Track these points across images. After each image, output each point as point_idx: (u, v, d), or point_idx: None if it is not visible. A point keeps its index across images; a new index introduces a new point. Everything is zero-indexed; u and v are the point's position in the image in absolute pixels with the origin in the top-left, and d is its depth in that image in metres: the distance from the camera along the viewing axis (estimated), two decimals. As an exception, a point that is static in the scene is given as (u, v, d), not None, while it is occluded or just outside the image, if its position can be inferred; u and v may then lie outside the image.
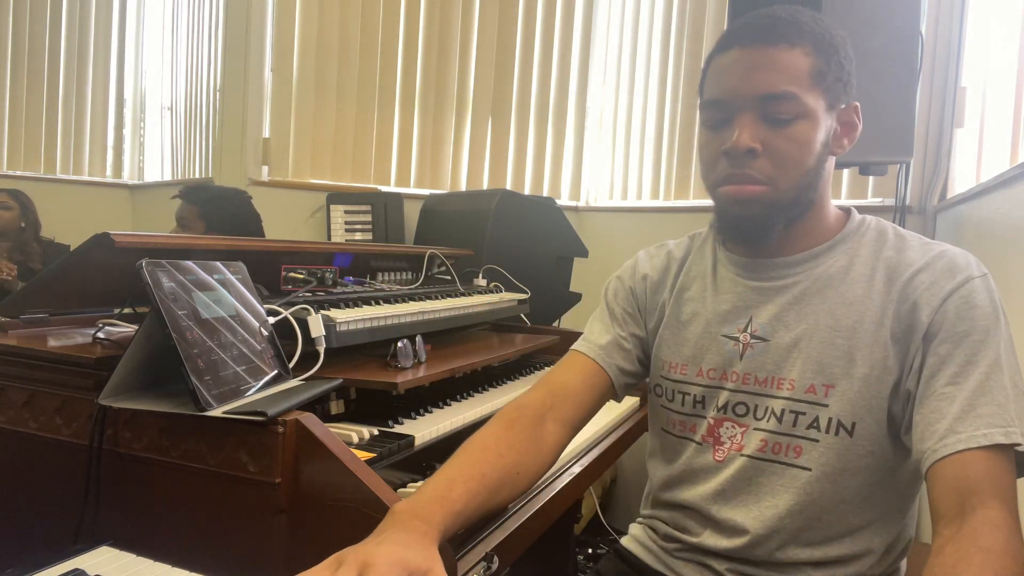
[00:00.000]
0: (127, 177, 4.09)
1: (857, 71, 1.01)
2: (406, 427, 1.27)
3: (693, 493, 1.05)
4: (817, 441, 0.96)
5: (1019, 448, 0.84)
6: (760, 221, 0.97)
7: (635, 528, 1.17)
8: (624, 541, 1.17)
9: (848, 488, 0.96)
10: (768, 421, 0.99)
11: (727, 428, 1.03)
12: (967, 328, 0.89)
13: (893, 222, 1.06)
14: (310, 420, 0.99)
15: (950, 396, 0.87)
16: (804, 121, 0.93)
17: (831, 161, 1.01)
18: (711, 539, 1.02)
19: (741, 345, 1.03)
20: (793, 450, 0.97)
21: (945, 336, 0.90)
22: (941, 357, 0.90)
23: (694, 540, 1.04)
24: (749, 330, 1.03)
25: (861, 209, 1.08)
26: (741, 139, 0.93)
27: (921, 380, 0.91)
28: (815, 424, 0.96)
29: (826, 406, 0.95)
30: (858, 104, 1.01)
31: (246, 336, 1.14)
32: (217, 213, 2.56)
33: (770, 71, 0.93)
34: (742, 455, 1.01)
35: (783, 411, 0.98)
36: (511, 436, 0.99)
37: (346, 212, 3.17)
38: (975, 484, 0.81)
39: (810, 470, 0.96)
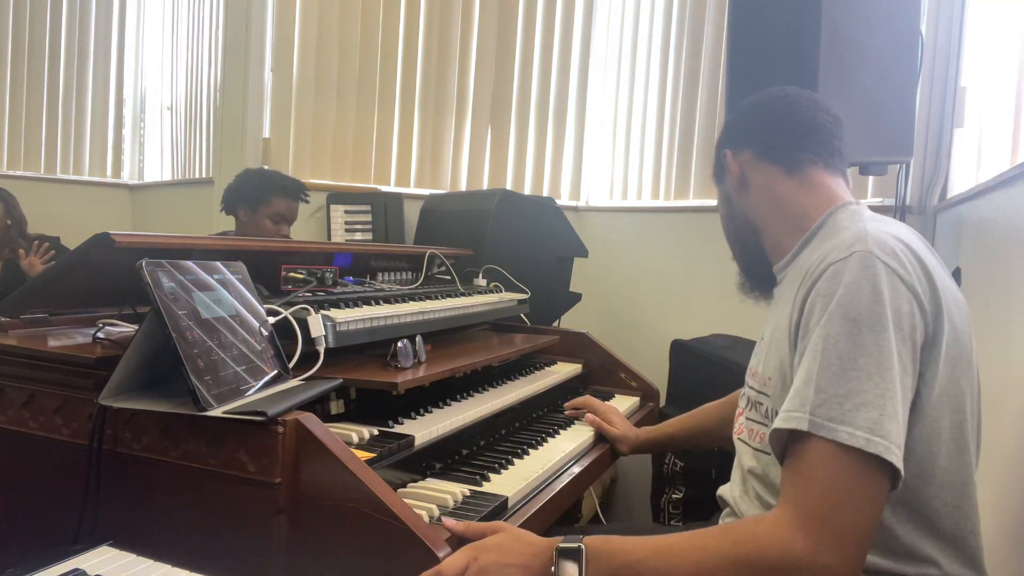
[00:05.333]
0: (127, 177, 4.09)
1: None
2: (406, 427, 1.27)
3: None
4: (768, 427, 1.00)
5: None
6: None
7: None
8: None
9: None
10: (749, 410, 1.12)
11: (738, 417, 1.19)
12: (818, 305, 0.91)
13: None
14: (310, 420, 0.99)
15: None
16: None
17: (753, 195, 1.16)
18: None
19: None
20: (758, 436, 1.07)
21: (806, 321, 0.93)
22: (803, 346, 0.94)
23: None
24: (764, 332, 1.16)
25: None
26: None
27: None
28: (767, 414, 1.04)
29: (769, 396, 1.04)
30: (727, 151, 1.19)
31: (246, 336, 1.14)
32: None
33: None
34: (738, 438, 1.15)
35: (749, 400, 1.12)
36: None
37: (346, 212, 3.16)
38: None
39: (769, 454, 0.98)
